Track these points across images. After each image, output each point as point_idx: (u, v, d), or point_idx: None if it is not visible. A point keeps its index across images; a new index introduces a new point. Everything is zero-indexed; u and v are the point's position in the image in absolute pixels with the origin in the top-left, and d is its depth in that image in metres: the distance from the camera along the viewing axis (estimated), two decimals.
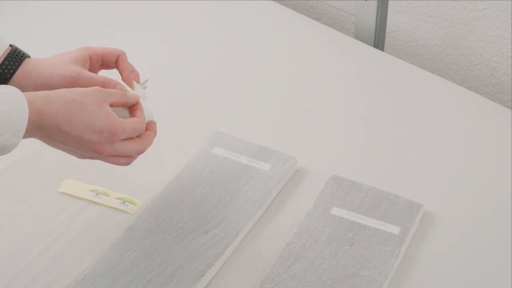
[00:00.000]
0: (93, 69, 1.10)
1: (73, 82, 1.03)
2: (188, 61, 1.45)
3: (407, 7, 1.66)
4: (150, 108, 1.04)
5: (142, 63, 1.46)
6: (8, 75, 1.04)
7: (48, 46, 1.49)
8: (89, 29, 1.54)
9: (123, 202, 1.12)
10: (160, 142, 1.25)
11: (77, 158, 1.00)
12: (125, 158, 1.00)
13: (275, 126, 1.30)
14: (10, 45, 1.06)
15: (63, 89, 0.96)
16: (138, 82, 1.11)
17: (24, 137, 0.91)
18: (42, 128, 0.92)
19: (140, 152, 1.01)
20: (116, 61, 1.09)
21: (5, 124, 0.88)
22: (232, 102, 1.35)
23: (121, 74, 1.09)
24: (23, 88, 0.99)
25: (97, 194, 1.14)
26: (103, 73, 1.10)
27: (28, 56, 1.06)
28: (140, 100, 1.03)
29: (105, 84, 1.03)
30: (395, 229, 1.08)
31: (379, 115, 1.32)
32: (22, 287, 1.03)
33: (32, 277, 1.04)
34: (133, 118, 0.99)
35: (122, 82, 1.06)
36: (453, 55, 1.65)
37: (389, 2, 1.60)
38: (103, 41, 1.50)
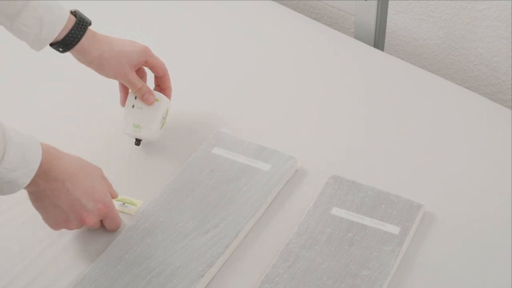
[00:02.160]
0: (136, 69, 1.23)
1: (118, 78, 1.20)
2: (188, 61, 1.45)
3: (407, 7, 1.66)
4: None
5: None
6: (73, 43, 1.14)
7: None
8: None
9: (123, 204, 1.12)
10: (160, 142, 1.26)
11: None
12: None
13: (275, 126, 1.30)
14: (72, 13, 1.14)
15: (74, 156, 1.04)
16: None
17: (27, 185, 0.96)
18: (48, 178, 0.98)
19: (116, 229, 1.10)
20: (162, 77, 1.24)
21: (22, 160, 0.93)
22: (232, 102, 1.35)
23: (163, 91, 1.25)
24: (85, 52, 1.15)
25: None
26: None
27: (90, 23, 1.16)
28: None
29: (136, 92, 1.21)
30: (395, 229, 1.08)
31: (379, 115, 1.32)
32: (22, 287, 1.03)
33: (32, 277, 1.04)
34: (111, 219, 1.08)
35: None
36: (453, 55, 1.65)
37: (389, 2, 1.60)
38: None
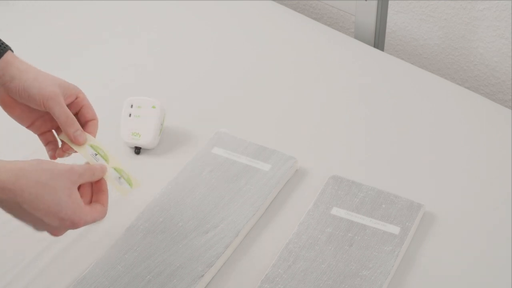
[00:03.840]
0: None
1: (44, 102, 0.96)
2: (188, 61, 1.45)
3: (407, 7, 1.66)
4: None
5: (142, 63, 1.46)
6: None
7: (47, 46, 1.49)
8: (88, 29, 1.54)
9: (119, 178, 1.01)
10: (160, 142, 1.26)
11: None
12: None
13: (275, 126, 1.30)
14: None
15: (38, 162, 0.89)
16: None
17: None
18: (4, 193, 0.86)
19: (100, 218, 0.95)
20: (89, 122, 1.01)
21: None
22: (232, 102, 1.35)
23: (84, 126, 1.01)
24: (7, 66, 0.95)
25: (96, 155, 1.00)
26: None
27: (10, 49, 0.98)
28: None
29: (67, 123, 0.97)
30: (395, 229, 1.08)
31: (379, 115, 1.32)
32: (22, 287, 1.03)
33: (32, 277, 1.04)
34: (97, 207, 0.94)
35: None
36: (453, 55, 1.65)
37: (389, 2, 1.60)
38: (103, 41, 1.51)
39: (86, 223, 0.91)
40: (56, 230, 0.91)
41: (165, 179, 1.17)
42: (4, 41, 0.99)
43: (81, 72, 1.41)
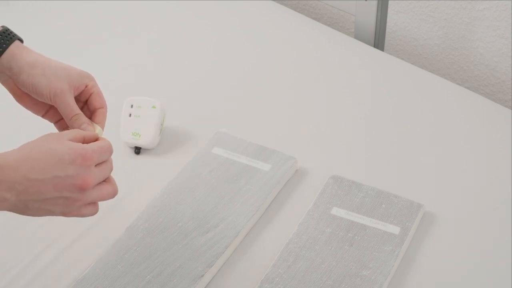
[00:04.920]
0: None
1: (52, 98, 0.97)
2: (188, 61, 1.45)
3: (407, 7, 1.66)
4: None
5: (142, 63, 1.46)
6: None
7: (47, 46, 1.49)
8: (88, 29, 1.54)
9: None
10: (160, 142, 1.26)
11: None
12: (105, 190, 0.90)
13: (275, 126, 1.30)
14: (2, 26, 0.99)
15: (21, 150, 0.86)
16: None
17: None
18: (9, 185, 0.82)
19: (112, 169, 0.92)
20: (98, 110, 1.00)
21: None
22: (232, 102, 1.35)
23: (92, 114, 1.01)
24: (14, 58, 0.96)
25: None
26: None
27: (20, 39, 0.99)
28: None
29: (72, 119, 0.97)
30: (395, 229, 1.08)
31: (379, 115, 1.32)
32: (22, 287, 1.03)
33: (32, 277, 1.04)
34: (95, 142, 0.90)
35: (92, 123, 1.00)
36: (453, 55, 1.65)
37: (389, 2, 1.60)
38: (103, 41, 1.51)
39: (95, 151, 0.87)
40: (79, 177, 0.85)
41: (165, 179, 1.17)
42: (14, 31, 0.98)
43: None
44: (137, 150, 1.23)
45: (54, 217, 1.10)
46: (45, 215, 0.87)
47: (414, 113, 1.32)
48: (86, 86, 1.00)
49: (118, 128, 1.24)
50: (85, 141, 0.91)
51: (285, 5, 1.76)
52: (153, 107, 1.23)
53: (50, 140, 0.86)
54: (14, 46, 0.97)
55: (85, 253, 1.07)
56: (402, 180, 1.18)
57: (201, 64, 1.45)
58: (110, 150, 0.91)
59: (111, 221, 1.11)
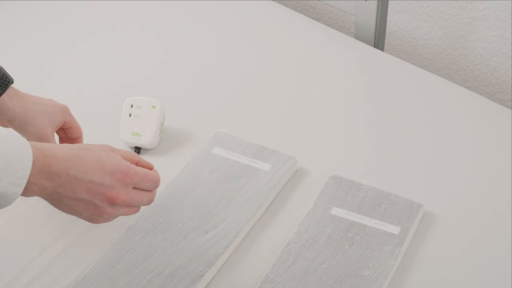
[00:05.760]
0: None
1: (39, 140, 1.08)
2: (188, 61, 1.45)
3: (407, 7, 1.66)
4: None
5: (142, 63, 1.46)
6: None
7: (47, 46, 1.49)
8: (88, 29, 1.54)
9: None
10: (160, 142, 1.26)
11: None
12: (132, 208, 0.94)
13: (275, 126, 1.30)
14: None
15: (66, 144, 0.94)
16: None
17: (30, 192, 0.86)
18: (50, 175, 0.87)
19: (151, 201, 0.95)
20: (76, 140, 1.15)
21: (5, 169, 0.83)
22: (232, 102, 1.35)
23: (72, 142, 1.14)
24: (7, 109, 1.05)
25: None
26: None
27: (12, 81, 1.07)
28: None
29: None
30: (395, 229, 1.08)
31: (379, 115, 1.32)
32: (22, 287, 1.03)
33: (32, 277, 1.04)
34: (145, 167, 0.95)
35: None
36: (453, 55, 1.65)
37: (389, 2, 1.60)
38: (102, 41, 1.51)
39: (138, 173, 0.91)
40: (113, 190, 0.89)
41: (165, 179, 1.17)
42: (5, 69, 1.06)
43: (81, 72, 1.42)
44: (137, 150, 1.23)
45: (54, 216, 1.11)
46: (74, 215, 0.91)
47: (414, 113, 1.32)
48: (65, 122, 1.12)
49: (118, 128, 1.24)
50: (138, 164, 0.94)
51: (285, 5, 1.76)
52: (153, 107, 1.24)
53: (103, 149, 0.92)
54: (7, 95, 1.06)
55: (85, 253, 1.07)
56: (402, 180, 1.18)
57: (201, 64, 1.45)
58: (154, 181, 0.94)
59: (111, 221, 1.11)
